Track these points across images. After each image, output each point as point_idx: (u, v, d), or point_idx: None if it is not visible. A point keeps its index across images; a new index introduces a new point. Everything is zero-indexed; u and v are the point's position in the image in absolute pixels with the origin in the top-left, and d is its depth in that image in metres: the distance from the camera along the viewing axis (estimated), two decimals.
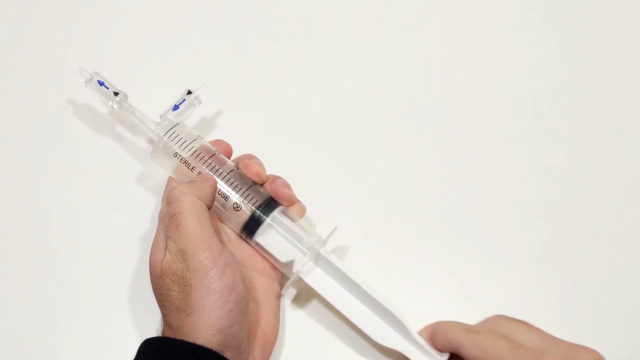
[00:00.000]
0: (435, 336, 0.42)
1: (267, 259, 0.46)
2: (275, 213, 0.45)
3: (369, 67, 0.57)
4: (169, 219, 0.41)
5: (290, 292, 0.48)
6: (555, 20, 0.60)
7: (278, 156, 0.49)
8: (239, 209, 0.45)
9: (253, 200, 0.45)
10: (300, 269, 0.44)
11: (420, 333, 0.43)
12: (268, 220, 0.44)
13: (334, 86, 0.56)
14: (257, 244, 0.45)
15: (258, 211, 0.44)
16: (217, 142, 0.48)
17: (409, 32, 0.59)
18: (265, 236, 0.44)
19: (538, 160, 0.54)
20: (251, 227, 0.45)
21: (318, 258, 0.44)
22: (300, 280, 0.45)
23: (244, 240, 0.46)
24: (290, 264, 0.44)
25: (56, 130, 0.53)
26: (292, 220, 0.45)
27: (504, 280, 0.50)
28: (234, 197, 0.45)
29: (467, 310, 0.48)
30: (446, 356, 0.42)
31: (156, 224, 0.43)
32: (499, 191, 0.53)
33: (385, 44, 0.58)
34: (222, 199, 0.45)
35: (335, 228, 0.45)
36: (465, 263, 0.50)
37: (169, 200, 0.42)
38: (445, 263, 0.50)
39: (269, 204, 0.45)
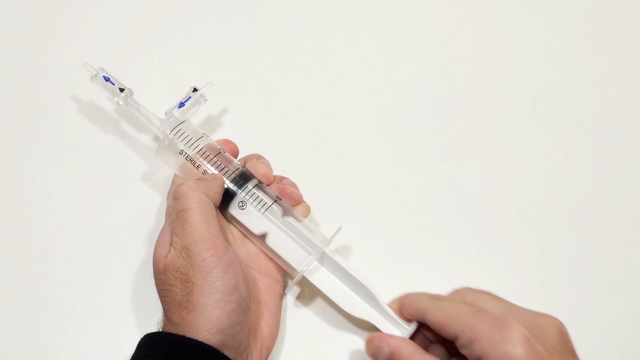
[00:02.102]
0: (404, 306, 0.42)
1: (271, 259, 0.46)
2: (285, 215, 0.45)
3: (369, 67, 0.57)
4: (175, 215, 0.41)
5: (292, 292, 0.48)
6: (555, 20, 0.60)
7: (278, 156, 0.49)
8: (244, 207, 0.45)
9: (258, 199, 0.45)
10: (305, 268, 0.44)
11: (391, 305, 0.43)
12: (275, 220, 0.44)
13: (334, 86, 0.56)
14: (263, 243, 0.45)
15: (263, 208, 0.44)
16: (225, 142, 0.48)
17: (408, 32, 0.59)
18: (271, 235, 0.44)
19: (538, 160, 0.54)
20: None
21: (323, 257, 0.45)
22: (303, 280, 0.45)
23: (249, 239, 0.46)
24: (295, 263, 0.44)
25: (56, 129, 0.53)
26: (297, 219, 0.45)
27: (504, 280, 0.49)
28: (240, 195, 0.45)
29: None
30: (414, 325, 0.42)
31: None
32: (499, 191, 0.53)
33: (385, 44, 0.58)
34: (228, 197, 0.45)
35: (340, 228, 0.45)
36: (465, 263, 0.50)
37: (176, 195, 0.42)
38: (445, 263, 0.50)
39: (275, 202, 0.45)
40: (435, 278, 0.49)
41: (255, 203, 0.45)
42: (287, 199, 0.46)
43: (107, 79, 0.47)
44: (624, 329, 0.48)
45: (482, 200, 0.52)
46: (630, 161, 0.54)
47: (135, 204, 0.51)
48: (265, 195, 0.45)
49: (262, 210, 0.45)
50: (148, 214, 0.50)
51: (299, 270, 0.44)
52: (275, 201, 0.45)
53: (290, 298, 0.48)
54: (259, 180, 0.46)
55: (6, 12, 0.58)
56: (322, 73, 0.57)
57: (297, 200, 0.46)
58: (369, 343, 0.41)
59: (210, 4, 0.59)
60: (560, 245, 0.51)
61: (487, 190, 0.52)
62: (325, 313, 0.47)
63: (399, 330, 0.43)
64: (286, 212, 0.45)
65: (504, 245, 0.51)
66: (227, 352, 0.38)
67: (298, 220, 0.45)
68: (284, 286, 0.47)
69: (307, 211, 0.47)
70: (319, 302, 0.48)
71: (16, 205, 0.51)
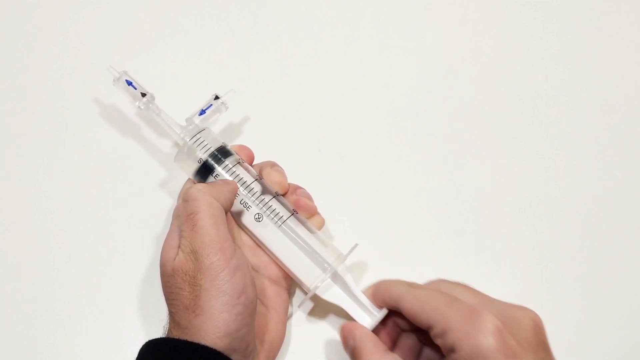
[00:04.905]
0: (378, 292, 0.42)
1: (282, 269, 0.45)
2: (298, 229, 0.44)
3: (369, 67, 0.57)
4: (185, 218, 0.41)
5: (298, 299, 0.48)
6: (555, 20, 0.60)
7: (278, 156, 0.49)
8: (260, 219, 0.44)
9: (275, 212, 0.44)
10: (319, 284, 0.43)
11: (366, 291, 0.43)
12: (290, 234, 0.44)
13: (334, 86, 0.56)
14: (276, 257, 0.45)
15: (280, 221, 0.44)
16: (241, 148, 0.48)
17: (408, 32, 0.59)
18: (285, 248, 0.44)
19: (538, 160, 0.54)
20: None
21: (336, 274, 0.44)
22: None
23: (262, 249, 0.46)
24: (308, 278, 0.44)
25: (56, 129, 0.53)
26: (311, 232, 0.45)
27: (504, 280, 0.50)
28: (256, 207, 0.45)
29: None
30: (383, 312, 0.42)
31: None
32: (499, 191, 0.53)
33: (385, 44, 0.58)
34: (244, 208, 0.45)
35: (356, 245, 0.45)
36: (465, 262, 0.50)
37: (185, 198, 0.41)
38: (445, 262, 0.50)
39: (292, 215, 0.45)
40: (434, 278, 0.49)
41: (272, 216, 0.44)
42: (302, 211, 0.45)
43: (129, 83, 0.47)
44: (624, 329, 0.48)
45: (482, 201, 0.52)
46: (630, 161, 0.54)
47: (135, 204, 0.51)
48: (282, 208, 0.45)
49: (279, 223, 0.44)
50: (148, 214, 0.50)
51: (311, 287, 0.43)
52: (292, 214, 0.45)
53: (295, 302, 0.48)
54: (276, 192, 0.45)
55: (6, 12, 0.58)
56: (322, 73, 0.57)
57: (312, 212, 0.46)
58: (341, 332, 0.42)
59: (210, 4, 0.59)
60: (560, 245, 0.51)
61: (487, 191, 0.52)
62: (330, 318, 0.47)
63: (368, 316, 0.42)
64: (301, 225, 0.45)
65: (504, 245, 0.51)
66: (234, 356, 0.38)
67: (312, 232, 0.45)
68: (291, 293, 0.46)
69: (322, 223, 0.47)
70: (323, 307, 0.48)
71: (16, 205, 0.51)
